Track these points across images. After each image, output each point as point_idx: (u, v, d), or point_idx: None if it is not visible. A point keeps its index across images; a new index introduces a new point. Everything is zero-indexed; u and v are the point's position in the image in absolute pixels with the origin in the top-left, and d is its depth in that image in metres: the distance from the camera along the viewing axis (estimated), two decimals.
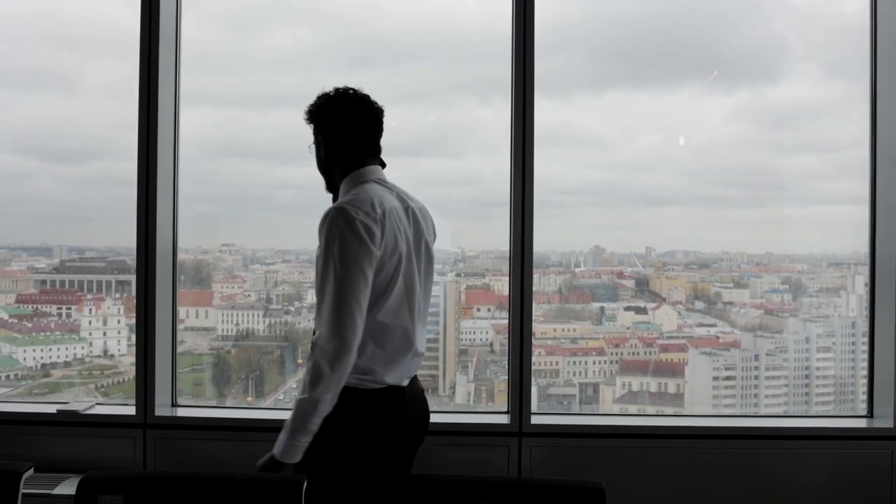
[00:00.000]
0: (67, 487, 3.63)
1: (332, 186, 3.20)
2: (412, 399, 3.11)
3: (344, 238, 2.82)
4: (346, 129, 3.09)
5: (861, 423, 4.23)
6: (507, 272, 4.16)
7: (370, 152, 3.14)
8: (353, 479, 2.97)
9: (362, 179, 3.05)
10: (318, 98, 3.14)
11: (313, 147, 3.20)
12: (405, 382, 3.06)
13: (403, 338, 3.02)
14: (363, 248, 2.83)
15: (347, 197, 2.97)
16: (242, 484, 2.90)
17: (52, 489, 3.66)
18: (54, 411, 4.04)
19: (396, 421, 3.02)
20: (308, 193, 4.79)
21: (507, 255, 4.17)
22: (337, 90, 3.13)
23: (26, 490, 2.97)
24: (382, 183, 3.10)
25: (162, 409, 4.12)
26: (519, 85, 4.03)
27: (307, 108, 3.16)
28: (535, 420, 4.00)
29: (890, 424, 4.05)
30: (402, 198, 3.12)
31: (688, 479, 3.97)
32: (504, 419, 4.05)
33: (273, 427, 4.05)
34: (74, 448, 3.84)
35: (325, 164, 3.18)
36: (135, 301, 4.23)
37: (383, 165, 3.20)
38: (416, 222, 3.12)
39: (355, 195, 2.95)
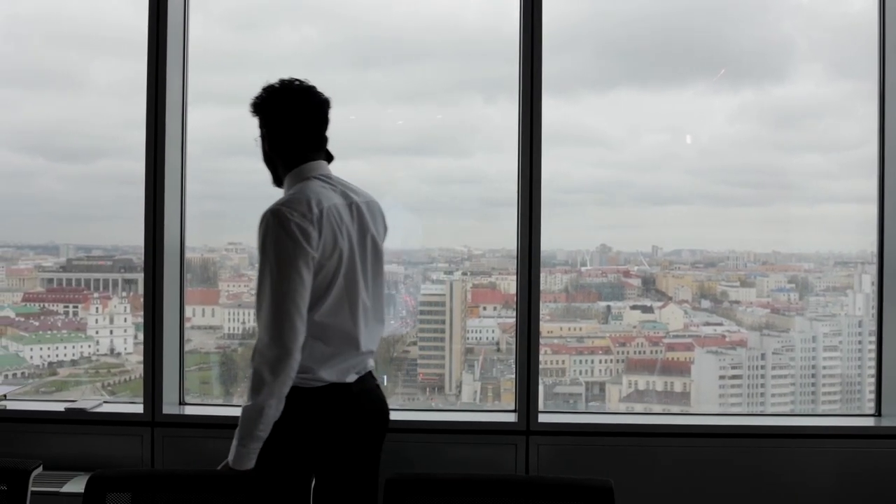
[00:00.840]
0: (76, 485, 3.63)
1: (277, 181, 3.15)
2: (361, 395, 3.05)
3: (279, 241, 2.79)
4: (289, 122, 3.05)
5: (869, 422, 4.23)
6: (513, 271, 4.16)
7: (314, 146, 3.10)
8: (302, 477, 2.97)
9: (305, 175, 3.02)
10: (263, 90, 3.09)
11: (258, 140, 3.15)
12: (350, 379, 3.00)
13: (344, 337, 2.97)
14: (299, 251, 2.80)
15: (284, 197, 2.94)
16: (250, 481, 2.90)
17: (60, 487, 3.67)
18: (62, 409, 4.05)
19: (340, 418, 2.97)
20: None
21: (513, 253, 4.16)
22: (282, 81, 3.08)
23: (35, 488, 2.98)
24: (325, 179, 3.06)
25: (170, 407, 4.12)
26: (526, 84, 4.03)
27: (252, 101, 3.11)
28: (542, 418, 4.00)
29: None
30: (346, 193, 3.06)
31: (696, 478, 3.97)
32: (511, 417, 4.06)
33: None
34: (82, 446, 3.84)
35: (269, 158, 3.15)
36: (141, 299, 4.23)
37: (330, 159, 3.16)
38: (361, 218, 3.07)
39: (292, 195, 2.92)
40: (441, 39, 4.73)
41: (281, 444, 2.87)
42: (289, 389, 2.81)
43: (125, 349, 4.98)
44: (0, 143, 4.94)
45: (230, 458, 2.85)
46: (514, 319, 4.13)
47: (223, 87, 4.67)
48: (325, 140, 3.14)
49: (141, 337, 4.36)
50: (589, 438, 4.01)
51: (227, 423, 4.06)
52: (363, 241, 3.05)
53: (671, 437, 4.02)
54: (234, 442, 2.84)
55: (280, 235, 2.79)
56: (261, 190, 4.82)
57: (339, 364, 2.97)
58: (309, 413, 2.91)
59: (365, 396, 3.08)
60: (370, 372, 3.14)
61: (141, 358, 4.29)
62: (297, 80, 3.09)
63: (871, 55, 4.31)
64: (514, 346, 4.25)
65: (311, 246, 2.82)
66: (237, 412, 3.87)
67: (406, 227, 4.83)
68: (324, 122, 3.12)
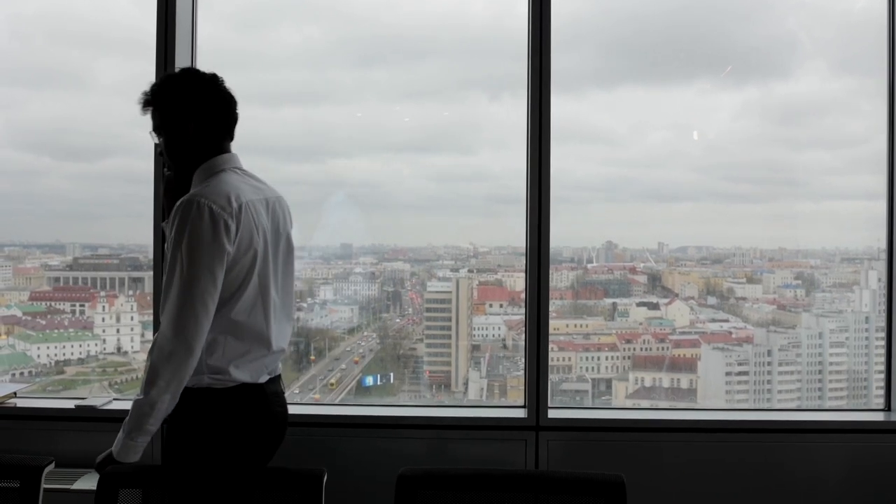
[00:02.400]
0: (86, 482, 3.64)
1: (183, 178, 2.97)
2: (272, 396, 2.99)
3: (194, 233, 2.68)
4: (203, 110, 2.90)
5: (879, 417, 4.23)
6: (519, 268, 4.18)
7: (227, 136, 2.99)
8: (214, 479, 2.85)
9: (219, 168, 2.89)
10: (164, 79, 2.97)
11: (154, 134, 2.97)
12: (263, 380, 2.92)
13: (258, 336, 2.87)
14: (214, 245, 2.69)
15: (201, 188, 2.80)
16: (262, 477, 2.91)
17: (71, 484, 3.67)
18: (73, 407, 4.05)
19: (252, 419, 2.89)
20: (319, 190, 4.83)
21: (519, 250, 4.17)
22: (184, 70, 2.98)
23: (46, 485, 2.99)
24: (240, 172, 2.96)
25: None
26: (535, 81, 4.03)
27: (149, 91, 2.93)
28: (552, 414, 4.01)
29: None
30: (260, 188, 2.97)
31: (705, 473, 3.97)
32: (521, 413, 4.06)
33: (294, 423, 4.08)
34: (93, 443, 3.82)
35: (176, 152, 2.95)
36: (148, 298, 4.23)
37: None
38: (275, 214, 2.98)
39: (210, 186, 2.80)
40: (445, 37, 4.74)
41: (192, 445, 2.81)
42: (183, 387, 2.70)
43: (132, 347, 4.98)
44: (6, 142, 4.95)
45: (115, 449, 2.75)
46: (521, 316, 4.14)
47: (227, 85, 4.67)
48: (233, 135, 3.03)
49: (148, 335, 4.36)
50: (598, 434, 4.02)
51: None
52: (276, 238, 2.96)
53: (681, 433, 4.02)
54: (121, 434, 2.73)
55: (197, 226, 2.68)
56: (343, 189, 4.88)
57: (253, 364, 2.87)
58: (222, 414, 2.82)
59: (275, 398, 3.01)
60: (279, 375, 3.07)
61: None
62: (195, 68, 3.00)
63: (875, 52, 4.32)
64: (519, 344, 4.26)
65: (229, 240, 2.71)
66: None
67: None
68: (235, 113, 3.01)
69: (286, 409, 3.09)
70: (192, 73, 2.98)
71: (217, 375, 2.80)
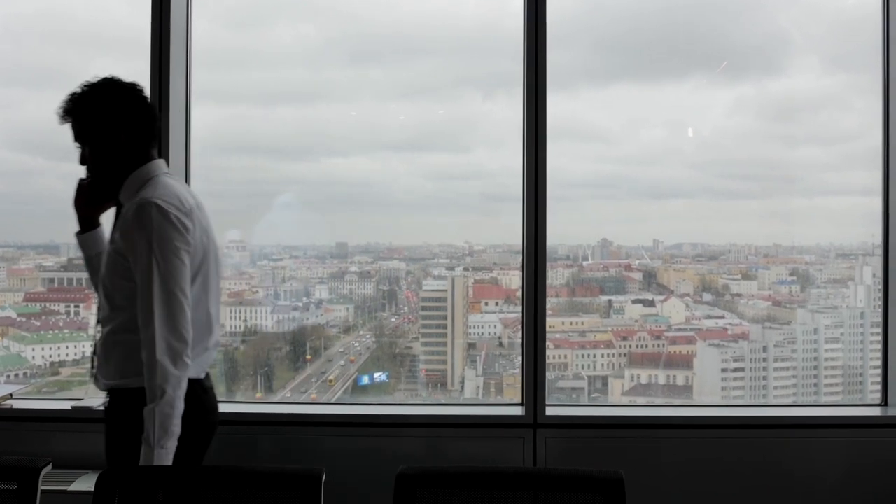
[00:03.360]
0: (83, 484, 3.63)
1: (110, 186, 2.99)
2: (210, 391, 3.08)
3: (160, 232, 2.73)
4: (131, 120, 2.92)
5: (875, 412, 4.25)
6: (514, 266, 4.18)
7: (155, 143, 3.02)
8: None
9: (152, 174, 2.93)
10: (88, 89, 2.92)
11: (79, 145, 2.98)
12: (203, 375, 3.01)
13: (202, 331, 2.95)
14: (182, 241, 2.77)
15: (149, 191, 2.83)
16: (260, 477, 2.90)
17: (68, 485, 3.66)
18: (69, 408, 4.04)
19: (200, 414, 2.95)
20: (315, 189, 4.82)
21: (514, 248, 4.19)
22: (103, 79, 2.95)
23: (44, 487, 2.98)
24: (173, 176, 3.00)
25: None
26: (531, 79, 4.03)
27: (69, 100, 2.91)
28: (549, 411, 4.01)
29: None
30: (192, 192, 3.02)
31: (704, 470, 3.98)
32: (518, 411, 4.07)
33: (291, 422, 4.10)
34: (89, 444, 3.82)
35: (105, 161, 2.95)
36: None
37: None
38: (207, 219, 3.02)
39: (157, 189, 2.84)
40: (440, 35, 4.73)
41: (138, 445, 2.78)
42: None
43: None
44: (1, 143, 4.93)
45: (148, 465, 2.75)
46: (517, 314, 4.15)
47: (221, 84, 4.67)
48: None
49: None
50: (596, 431, 4.03)
51: (233, 420, 4.11)
52: (210, 241, 3.00)
53: (679, 429, 4.03)
54: (147, 448, 2.72)
55: (162, 226, 2.74)
56: (260, 187, 4.87)
57: (199, 359, 2.94)
58: None
59: (212, 393, 3.10)
60: (208, 372, 3.11)
61: None
62: (113, 76, 2.96)
63: (868, 48, 4.34)
64: (515, 342, 4.26)
65: (188, 237, 2.79)
66: (244, 409, 3.87)
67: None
68: (159, 118, 3.07)
69: (217, 404, 3.17)
70: (116, 82, 2.96)
71: None
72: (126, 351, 2.83)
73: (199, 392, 2.97)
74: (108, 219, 3.15)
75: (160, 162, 3.00)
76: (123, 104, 2.92)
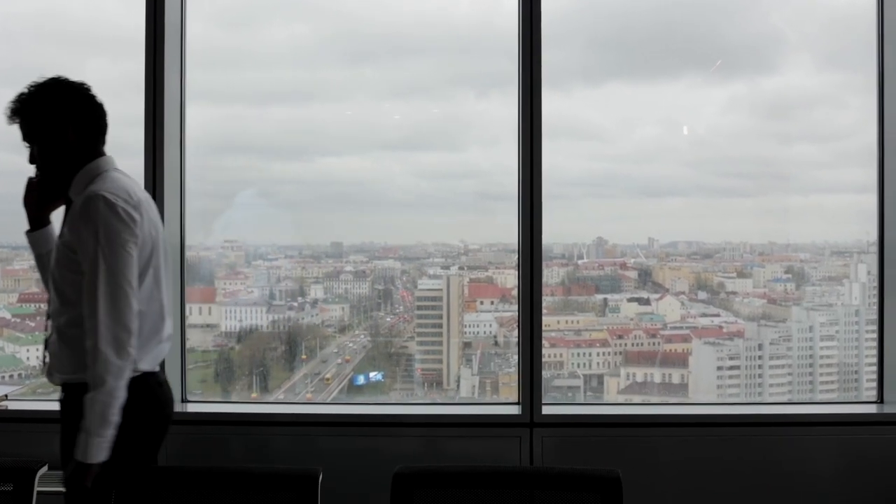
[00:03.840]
0: None
1: (60, 184, 3.05)
2: (163, 385, 3.14)
3: (108, 225, 2.79)
4: (79, 118, 2.98)
5: (871, 409, 4.26)
6: (510, 265, 4.18)
7: (103, 140, 3.07)
8: (114, 471, 2.86)
9: (102, 169, 2.99)
10: (36, 89, 2.97)
11: (27, 144, 3.03)
12: (157, 368, 3.07)
13: (154, 325, 3.02)
14: (129, 233, 2.82)
15: (98, 185, 2.89)
16: (257, 478, 2.90)
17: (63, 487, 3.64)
18: None
19: (154, 407, 3.03)
20: (310, 188, 4.81)
21: (510, 247, 4.18)
22: (53, 79, 3.00)
23: (39, 488, 2.97)
24: (122, 172, 3.05)
25: None
26: (526, 77, 4.04)
27: (17, 100, 2.96)
28: (546, 410, 4.01)
29: None
30: (141, 187, 3.09)
31: (701, 468, 3.99)
32: (515, 410, 4.07)
33: (284, 422, 4.09)
34: None
35: (55, 159, 3.01)
36: None
37: None
38: (156, 213, 3.10)
39: (106, 183, 2.90)
40: (434, 34, 4.73)
41: None
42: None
43: None
44: None
45: (83, 454, 2.77)
46: (512, 313, 4.15)
47: (215, 84, 4.66)
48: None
49: None
50: (593, 430, 4.03)
51: (230, 421, 4.12)
52: (159, 235, 3.07)
53: (675, 427, 4.04)
54: (85, 436, 2.76)
55: (110, 219, 2.79)
56: (255, 187, 4.86)
57: (153, 352, 3.02)
58: (126, 404, 2.84)
59: (166, 387, 3.16)
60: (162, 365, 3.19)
61: None
62: (60, 76, 3.01)
63: (860, 46, 4.36)
64: (511, 340, 4.26)
65: (137, 230, 2.85)
66: (241, 409, 3.87)
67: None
68: (106, 116, 3.10)
69: (172, 398, 3.25)
70: (63, 81, 3.01)
71: None
72: (79, 345, 2.85)
73: (153, 385, 3.04)
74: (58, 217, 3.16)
75: (109, 158, 3.06)
76: (71, 103, 2.98)
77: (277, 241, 5.15)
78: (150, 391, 3.00)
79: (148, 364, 2.99)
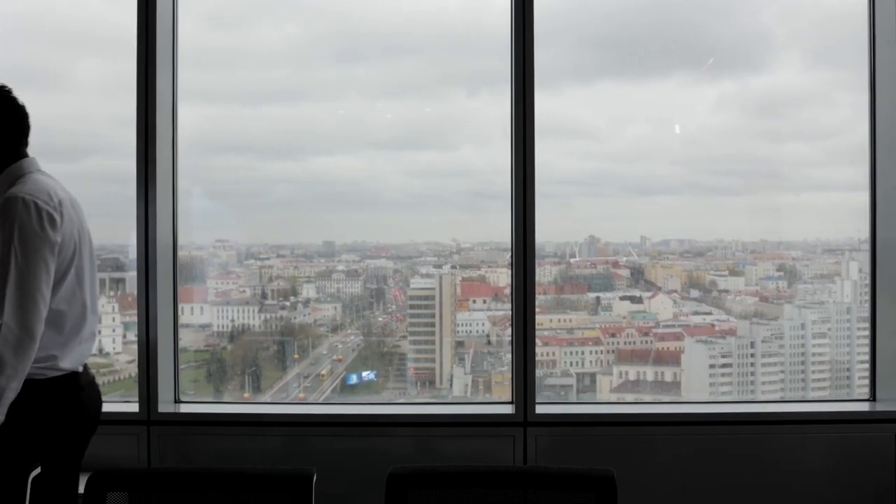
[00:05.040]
0: None
1: None
2: (87, 386, 3.12)
3: (24, 226, 2.80)
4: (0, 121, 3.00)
5: (864, 407, 4.27)
6: (502, 263, 4.18)
7: (25, 142, 3.08)
8: (28, 468, 2.92)
9: (24, 171, 2.99)
10: None
11: None
12: (80, 369, 3.07)
13: (77, 324, 3.03)
14: (44, 236, 2.82)
15: (19, 187, 2.90)
16: (251, 479, 2.89)
17: None
18: None
19: (75, 407, 3.03)
20: (301, 188, 4.81)
21: (502, 246, 4.19)
22: None
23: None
24: (44, 173, 3.06)
25: (165, 405, 4.12)
26: (518, 76, 4.04)
27: None
28: (539, 410, 4.01)
29: (893, 407, 4.12)
30: (64, 188, 3.08)
31: (695, 466, 4.00)
32: (508, 409, 4.07)
33: (277, 422, 4.08)
34: None
35: None
36: (129, 298, 4.21)
37: None
38: (80, 213, 3.11)
39: (27, 185, 2.91)
40: (425, 34, 4.73)
41: (15, 436, 2.83)
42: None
43: (114, 349, 4.95)
44: None
45: None
46: (504, 312, 4.15)
47: (207, 84, 4.66)
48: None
49: (129, 336, 4.33)
50: (586, 429, 4.03)
51: (223, 421, 4.11)
52: (83, 235, 3.08)
53: (668, 426, 4.04)
54: None
55: (26, 220, 2.80)
56: (247, 186, 4.86)
57: (74, 352, 3.02)
58: (45, 404, 2.90)
59: (90, 387, 3.16)
60: (86, 364, 3.18)
61: (130, 357, 4.27)
62: None
63: (850, 44, 4.37)
64: (503, 339, 4.25)
65: (55, 231, 2.85)
66: (234, 409, 3.86)
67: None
68: (28, 117, 3.10)
69: (99, 398, 3.26)
70: None
71: (41, 364, 2.89)
72: None
73: (74, 387, 3.04)
74: None
75: (32, 160, 3.07)
76: None
77: (269, 241, 5.15)
78: (71, 393, 3.01)
79: (70, 363, 2.99)
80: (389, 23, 4.74)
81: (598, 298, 5.05)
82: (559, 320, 4.98)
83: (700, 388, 4.81)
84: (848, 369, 4.69)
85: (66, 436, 3.02)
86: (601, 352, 4.89)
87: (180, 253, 4.40)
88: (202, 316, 4.92)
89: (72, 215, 2.98)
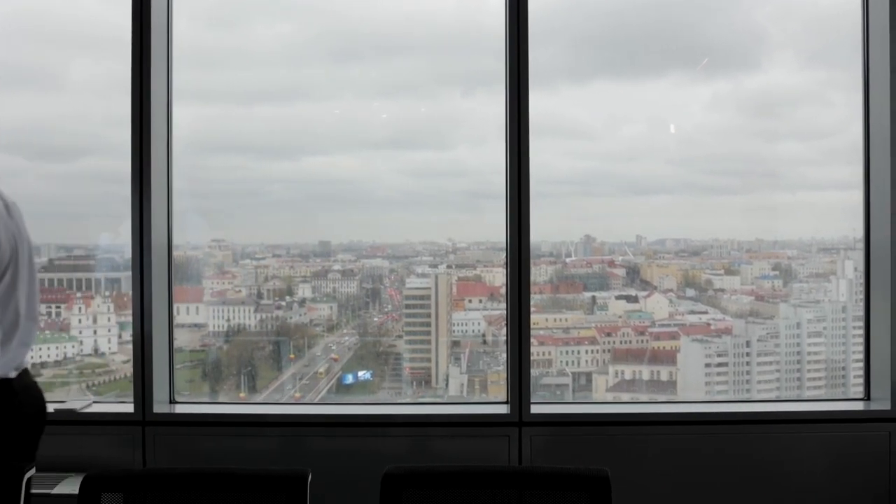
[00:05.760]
0: (67, 487, 3.62)
1: None
2: (22, 390, 3.04)
3: None
4: None
5: (858, 406, 4.27)
6: (498, 263, 4.18)
7: None
8: None
9: None
10: None
11: None
12: (12, 374, 2.99)
13: (9, 330, 2.97)
14: None
15: None
16: (246, 479, 2.89)
17: (51, 489, 3.65)
18: (52, 410, 4.01)
19: (9, 415, 2.96)
20: (297, 187, 4.81)
21: (498, 246, 4.18)
22: None
23: None
24: None
25: (160, 406, 4.11)
26: (513, 76, 4.04)
27: None
28: (534, 409, 4.02)
29: (887, 406, 4.11)
30: (2, 194, 3.03)
31: (689, 466, 4.00)
32: (504, 409, 4.07)
33: (273, 422, 4.08)
34: (72, 447, 3.81)
35: None
36: (124, 298, 4.20)
37: None
38: (17, 217, 3.05)
39: None
40: (420, 33, 4.73)
41: None
42: None
43: (109, 349, 4.94)
44: None
45: None
46: (500, 312, 4.15)
47: (202, 83, 4.65)
48: None
49: (125, 336, 4.32)
50: (581, 428, 4.04)
51: (218, 422, 4.11)
52: (21, 240, 3.03)
53: (664, 426, 4.05)
54: None
55: None
56: (242, 186, 4.86)
57: (3, 358, 2.95)
58: None
59: (26, 391, 3.09)
60: (27, 368, 3.13)
61: (125, 357, 4.26)
62: None
63: (844, 44, 4.37)
64: (499, 339, 4.25)
65: None
66: (229, 409, 3.86)
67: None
68: None
69: (42, 401, 3.17)
70: None
71: None
72: None
73: (8, 393, 2.97)
74: None
75: None
76: None
77: (265, 240, 5.14)
78: (4, 399, 2.94)
79: (1, 369, 2.93)
80: (385, 22, 4.74)
81: (593, 298, 5.05)
82: (555, 320, 4.99)
83: (696, 388, 4.81)
84: (843, 368, 4.69)
85: (3, 439, 2.94)
86: (597, 351, 4.89)
87: (176, 253, 4.39)
88: (198, 316, 4.92)
89: (7, 222, 2.93)
